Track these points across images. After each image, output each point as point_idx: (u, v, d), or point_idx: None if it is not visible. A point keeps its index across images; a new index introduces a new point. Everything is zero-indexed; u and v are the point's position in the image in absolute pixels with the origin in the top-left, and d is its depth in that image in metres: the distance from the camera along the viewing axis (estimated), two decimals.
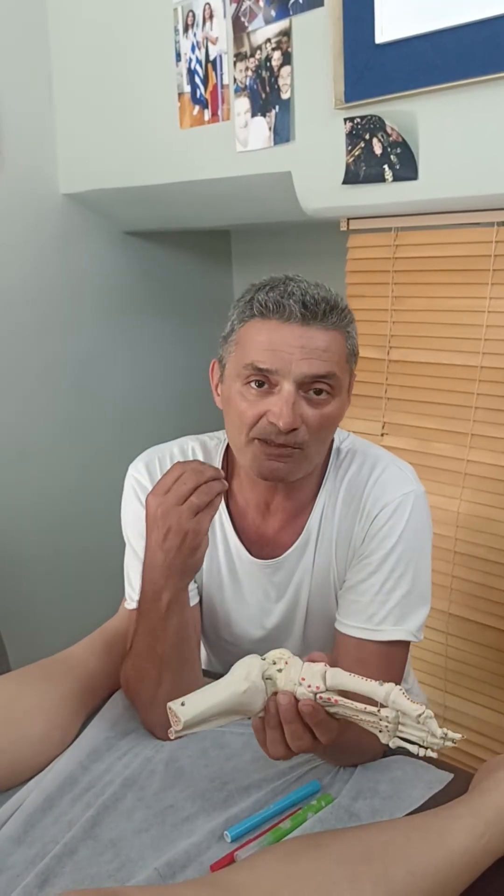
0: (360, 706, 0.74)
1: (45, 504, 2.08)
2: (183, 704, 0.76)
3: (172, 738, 0.77)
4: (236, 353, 0.95)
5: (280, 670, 0.77)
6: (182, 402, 2.34)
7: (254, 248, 2.44)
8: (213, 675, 1.07)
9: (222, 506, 1.06)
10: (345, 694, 0.76)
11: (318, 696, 0.75)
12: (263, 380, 0.91)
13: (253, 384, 0.92)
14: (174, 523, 0.90)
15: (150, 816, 0.90)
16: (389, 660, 0.99)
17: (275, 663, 0.78)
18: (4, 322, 1.92)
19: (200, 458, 1.08)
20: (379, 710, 0.73)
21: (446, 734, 0.71)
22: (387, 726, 0.73)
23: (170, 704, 0.76)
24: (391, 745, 0.74)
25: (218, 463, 1.07)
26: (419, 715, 0.71)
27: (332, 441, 1.05)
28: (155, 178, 1.75)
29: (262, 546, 1.06)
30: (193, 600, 1.04)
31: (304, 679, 0.76)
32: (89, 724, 1.04)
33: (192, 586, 1.05)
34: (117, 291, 2.17)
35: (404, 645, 1.00)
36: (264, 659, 0.79)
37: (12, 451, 2.00)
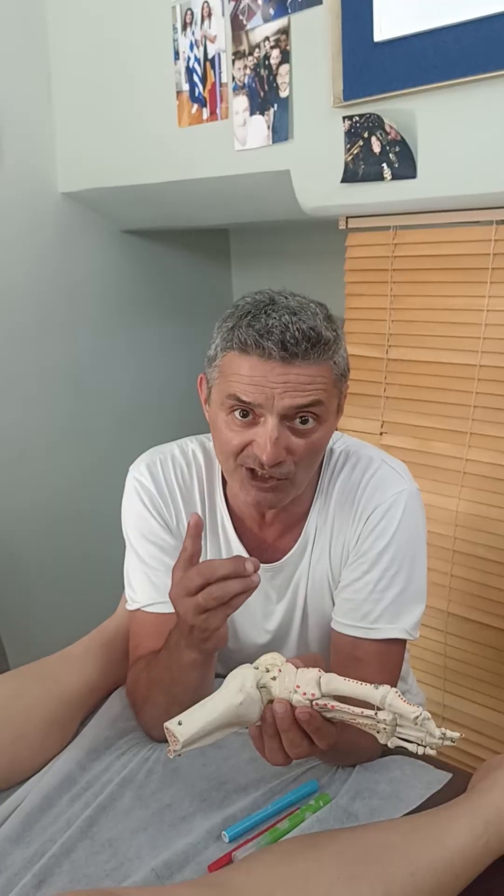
0: (357, 710, 0.74)
1: (44, 505, 2.08)
2: (180, 724, 0.74)
3: (171, 757, 0.75)
4: (220, 381, 0.93)
5: (274, 678, 0.77)
6: (182, 401, 2.33)
7: (253, 247, 2.44)
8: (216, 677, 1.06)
9: (224, 510, 1.06)
10: (340, 698, 0.75)
11: (314, 703, 0.75)
12: (248, 410, 0.90)
13: (237, 414, 0.91)
14: (181, 612, 0.85)
15: (147, 816, 0.89)
16: (385, 658, 0.99)
17: (268, 671, 0.77)
18: (3, 321, 1.92)
19: (201, 460, 1.07)
20: (376, 714, 0.73)
21: (444, 734, 0.70)
22: (384, 728, 0.72)
23: (167, 724, 0.75)
24: (389, 744, 0.73)
25: (216, 466, 1.07)
26: (416, 717, 0.70)
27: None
28: (153, 176, 1.75)
29: (262, 550, 1.06)
30: None
31: (298, 686, 0.75)
32: (88, 723, 1.04)
33: None
34: (116, 290, 2.17)
35: (400, 643, 1.00)
36: (257, 667, 0.78)
37: (12, 452, 2.00)
